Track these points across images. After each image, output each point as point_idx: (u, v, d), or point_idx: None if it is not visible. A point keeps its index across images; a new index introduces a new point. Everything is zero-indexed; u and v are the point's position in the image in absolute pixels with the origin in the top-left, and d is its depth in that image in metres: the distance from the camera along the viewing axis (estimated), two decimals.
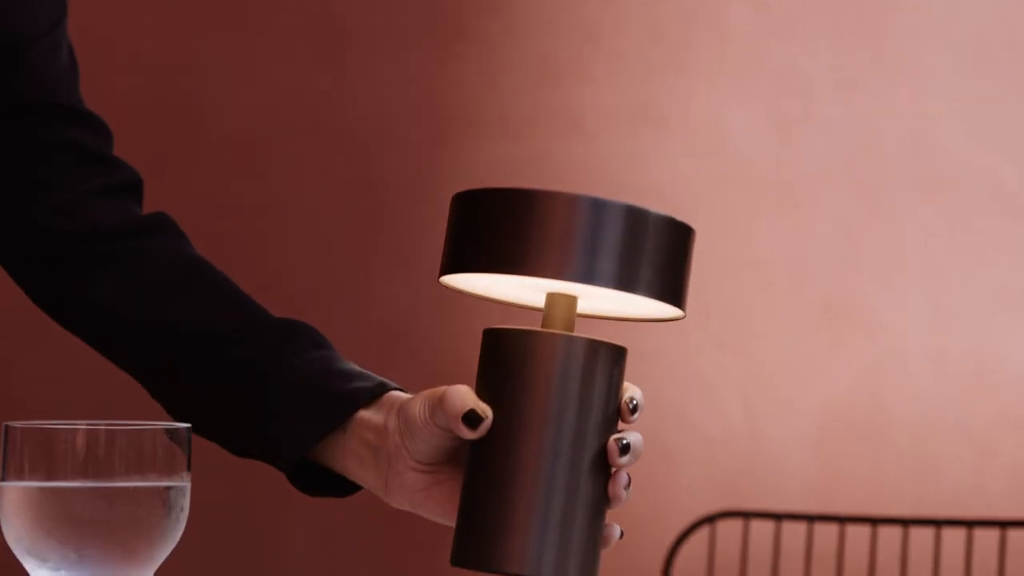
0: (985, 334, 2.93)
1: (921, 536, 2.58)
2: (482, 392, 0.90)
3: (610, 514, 0.92)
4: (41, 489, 0.86)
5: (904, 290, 2.95)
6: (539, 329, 0.90)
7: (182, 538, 0.91)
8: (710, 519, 2.53)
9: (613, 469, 0.90)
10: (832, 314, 2.94)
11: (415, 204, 2.91)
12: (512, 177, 2.91)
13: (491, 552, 0.87)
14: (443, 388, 0.92)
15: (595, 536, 0.89)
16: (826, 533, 2.62)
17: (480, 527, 0.88)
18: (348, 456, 1.01)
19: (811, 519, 2.44)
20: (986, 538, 2.56)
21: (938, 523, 2.37)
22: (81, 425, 0.88)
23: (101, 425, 0.88)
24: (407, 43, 2.95)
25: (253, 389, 1.04)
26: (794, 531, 2.62)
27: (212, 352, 1.06)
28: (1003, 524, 2.28)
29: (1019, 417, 2.90)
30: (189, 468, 0.91)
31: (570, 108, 2.95)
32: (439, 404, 0.92)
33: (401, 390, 1.02)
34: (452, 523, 0.97)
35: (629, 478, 0.92)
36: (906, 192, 2.97)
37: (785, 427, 2.90)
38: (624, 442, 0.89)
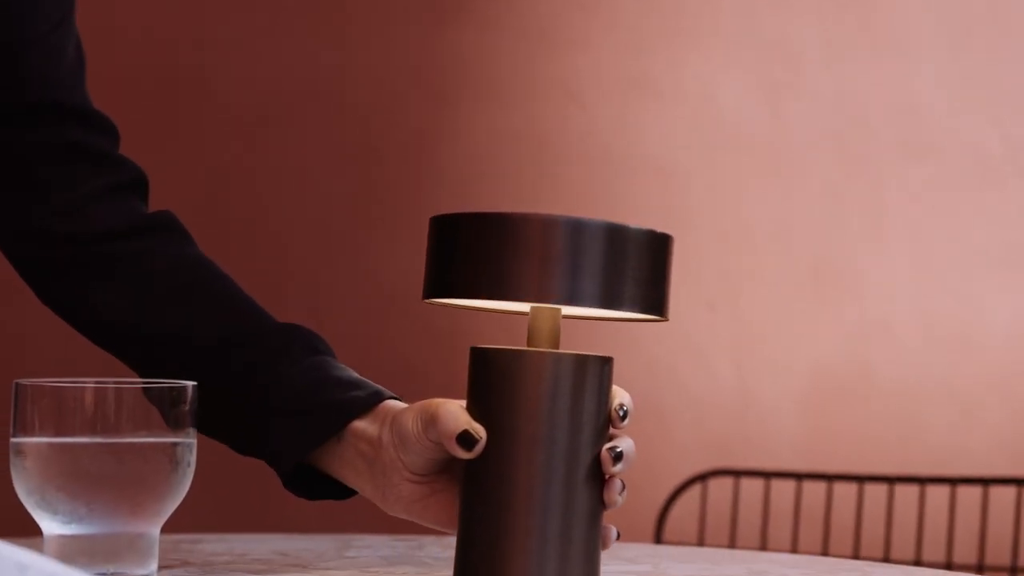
0: (969, 297, 2.93)
1: (906, 493, 2.58)
2: (474, 412, 0.89)
3: None
4: (51, 444, 0.86)
5: (890, 254, 2.95)
6: (526, 349, 0.89)
7: (189, 492, 0.91)
8: (702, 477, 2.53)
9: (607, 476, 0.90)
10: (820, 277, 2.94)
11: (414, 170, 2.90)
12: (509, 145, 2.91)
13: (494, 572, 0.87)
14: (436, 405, 0.91)
15: (594, 543, 0.89)
16: (814, 490, 2.63)
17: (480, 549, 0.88)
18: (344, 466, 1.00)
19: (800, 477, 2.45)
20: (969, 495, 2.56)
21: (922, 481, 2.37)
22: (90, 383, 0.87)
23: (109, 383, 0.87)
24: (406, 15, 2.94)
25: (251, 397, 1.03)
26: (783, 488, 2.63)
27: (211, 360, 1.04)
28: (986, 481, 2.29)
29: (1001, 378, 2.91)
30: (195, 425, 0.91)
31: (565, 77, 2.94)
32: (432, 423, 0.91)
33: (396, 398, 1.01)
34: (449, 531, 0.97)
35: (623, 484, 0.91)
36: (892, 158, 2.97)
37: (774, 388, 2.90)
38: (617, 451, 0.89)
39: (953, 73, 2.99)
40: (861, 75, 2.99)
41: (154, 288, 1.10)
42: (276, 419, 1.01)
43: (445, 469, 0.96)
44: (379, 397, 1.00)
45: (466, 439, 0.88)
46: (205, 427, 1.02)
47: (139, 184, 1.16)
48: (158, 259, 1.11)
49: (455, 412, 0.89)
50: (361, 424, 0.98)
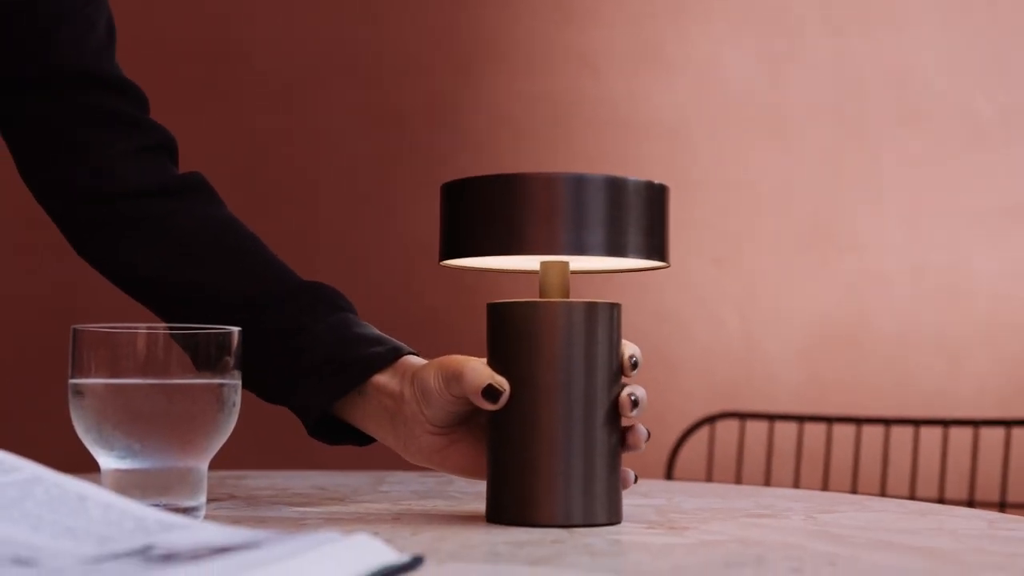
0: (958, 253, 2.92)
1: (901, 434, 2.58)
2: (494, 363, 0.89)
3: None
4: (106, 386, 0.86)
5: (884, 213, 2.94)
6: (539, 300, 0.89)
7: (234, 432, 0.91)
8: (710, 420, 2.53)
9: (625, 421, 0.90)
10: (819, 235, 2.93)
11: (437, 135, 2.90)
12: (527, 110, 2.90)
13: (524, 510, 0.87)
14: (458, 362, 0.91)
15: (615, 481, 0.89)
16: (815, 432, 2.63)
17: (510, 488, 0.88)
18: (367, 418, 1.00)
19: (801, 419, 2.45)
20: (961, 436, 2.56)
21: (917, 423, 2.37)
22: (142, 328, 0.87)
23: (160, 328, 0.87)
24: None
25: (278, 353, 1.03)
26: (786, 430, 2.63)
27: (240, 316, 1.03)
28: (976, 423, 2.28)
29: (989, 328, 2.90)
30: (239, 367, 0.91)
31: (581, 47, 2.93)
32: (456, 379, 0.91)
33: (414, 354, 1.01)
34: (468, 478, 0.98)
35: (648, 431, 0.92)
36: (886, 123, 2.96)
37: (777, 337, 2.90)
38: (634, 396, 0.89)
39: (945, 43, 2.97)
40: (858, 45, 2.97)
41: (183, 245, 1.09)
42: (301, 374, 1.01)
43: (463, 421, 0.96)
44: (398, 353, 1.00)
45: (491, 392, 0.88)
46: None
47: (169, 147, 1.16)
48: (188, 218, 1.11)
49: (478, 368, 0.90)
50: (382, 379, 0.98)
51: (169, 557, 0.57)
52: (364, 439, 1.04)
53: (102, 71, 1.14)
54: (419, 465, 0.99)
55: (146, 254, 1.10)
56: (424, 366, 0.96)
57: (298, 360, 1.01)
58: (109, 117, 1.13)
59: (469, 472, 0.97)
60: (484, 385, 0.88)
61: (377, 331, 1.03)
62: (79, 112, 1.13)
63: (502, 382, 0.88)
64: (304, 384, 1.01)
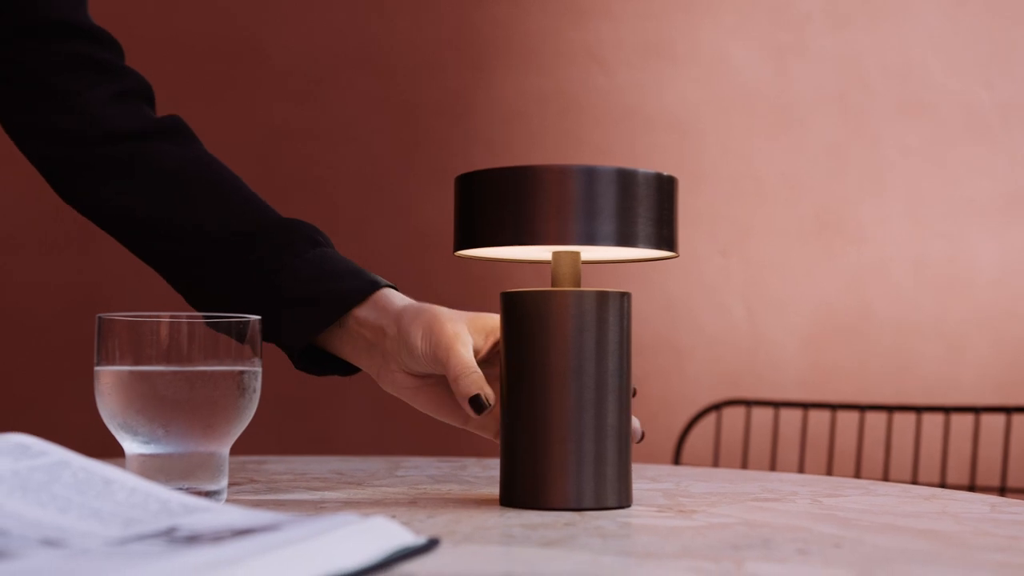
0: (958, 243, 2.92)
1: (903, 421, 2.58)
2: (508, 350, 0.89)
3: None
4: (131, 372, 0.86)
5: (887, 203, 2.93)
6: (552, 289, 0.89)
7: (254, 420, 0.91)
8: (716, 407, 2.53)
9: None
10: (822, 225, 2.93)
11: (451, 128, 2.90)
12: (538, 104, 2.90)
13: (537, 494, 0.88)
14: (448, 340, 0.93)
15: (626, 463, 0.89)
16: (819, 418, 2.63)
17: (523, 473, 0.88)
18: (346, 347, 1.02)
19: (806, 406, 2.44)
20: (962, 422, 2.56)
21: (919, 409, 2.37)
22: (165, 317, 0.87)
23: (183, 317, 0.88)
24: None
25: (260, 288, 1.03)
26: (791, 417, 2.63)
27: (223, 251, 1.04)
28: (977, 410, 2.28)
29: (988, 316, 2.90)
30: (260, 354, 0.91)
31: (589, 42, 2.93)
32: (444, 364, 0.93)
33: (391, 286, 1.02)
34: (435, 416, 1.00)
35: (643, 432, 0.95)
36: (889, 115, 2.95)
37: (782, 326, 2.90)
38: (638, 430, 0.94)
39: (947, 37, 2.97)
40: (861, 39, 2.97)
41: (165, 185, 1.09)
42: (284, 309, 1.02)
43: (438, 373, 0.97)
44: (376, 286, 1.01)
45: (478, 403, 0.90)
46: (220, 311, 1.04)
47: (147, 93, 1.16)
48: (168, 158, 1.11)
49: (472, 376, 0.91)
50: (362, 312, 1.00)
51: (193, 539, 0.57)
52: (348, 369, 1.05)
53: (78, 21, 1.14)
54: (390, 393, 1.01)
55: (130, 194, 1.09)
56: (412, 321, 0.97)
57: (280, 295, 1.02)
58: (87, 63, 1.13)
59: (435, 412, 0.99)
60: (472, 395, 0.90)
61: (355, 264, 1.04)
62: (58, 59, 1.13)
63: (490, 395, 0.90)
64: (287, 318, 1.02)
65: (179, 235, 1.07)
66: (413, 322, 0.96)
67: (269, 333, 1.03)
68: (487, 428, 0.97)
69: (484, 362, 0.97)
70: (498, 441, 0.92)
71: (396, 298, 1.00)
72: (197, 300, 1.09)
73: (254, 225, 1.06)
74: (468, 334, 0.95)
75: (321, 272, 1.02)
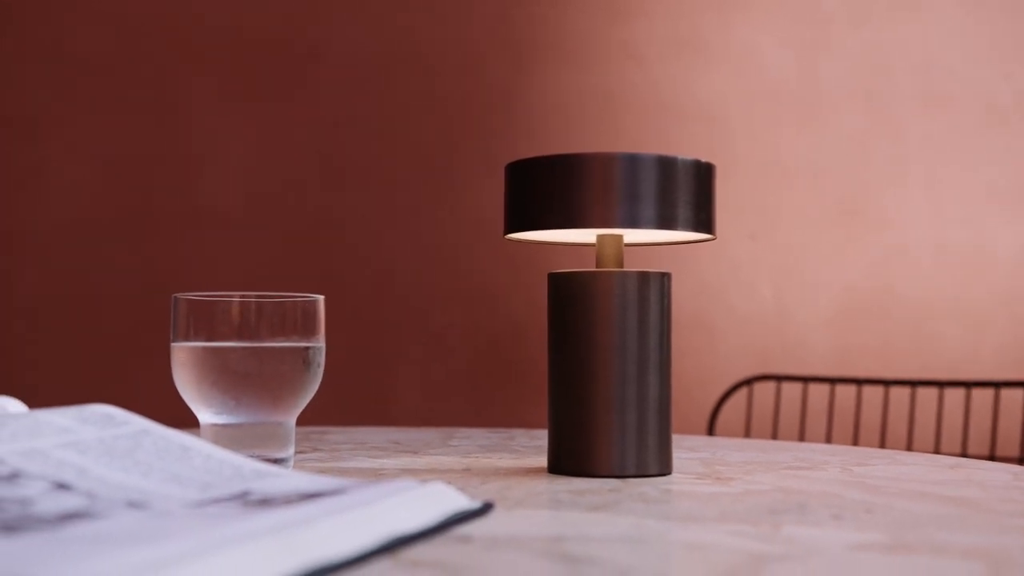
0: (977, 227, 2.89)
1: (926, 395, 2.56)
2: (555, 328, 0.90)
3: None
4: (204, 348, 0.87)
5: (909, 189, 2.91)
6: (597, 270, 0.89)
7: (318, 393, 0.92)
8: (748, 382, 2.52)
9: None
10: (847, 211, 2.91)
11: (496, 120, 2.90)
12: (577, 98, 2.89)
13: (583, 462, 0.88)
14: None
15: (666, 434, 0.89)
16: (845, 393, 2.62)
17: (570, 442, 0.88)
18: None
19: (833, 381, 2.43)
20: (982, 397, 2.54)
21: (941, 384, 2.35)
22: (235, 297, 0.88)
23: (252, 296, 0.88)
24: None
25: None
26: (818, 391, 2.61)
27: None
28: (997, 384, 2.26)
29: (1007, 296, 2.87)
30: (323, 332, 0.92)
31: (625, 38, 2.92)
32: None
33: None
34: None
35: None
36: (911, 106, 2.93)
37: (808, 306, 2.88)
38: None
39: (966, 31, 2.94)
40: (884, 34, 2.94)
41: None
42: None
43: None
44: None
45: None
46: None
47: None
48: None
49: None
50: None
51: (265, 502, 0.57)
52: None
53: None
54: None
55: None
56: None
57: None
58: None
59: None
60: None
61: None
62: None
63: None
64: None
65: None
66: None
67: None
68: None
69: None
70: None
71: None
72: None
73: None
74: None
75: None
